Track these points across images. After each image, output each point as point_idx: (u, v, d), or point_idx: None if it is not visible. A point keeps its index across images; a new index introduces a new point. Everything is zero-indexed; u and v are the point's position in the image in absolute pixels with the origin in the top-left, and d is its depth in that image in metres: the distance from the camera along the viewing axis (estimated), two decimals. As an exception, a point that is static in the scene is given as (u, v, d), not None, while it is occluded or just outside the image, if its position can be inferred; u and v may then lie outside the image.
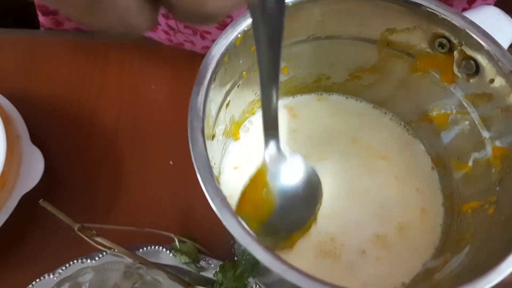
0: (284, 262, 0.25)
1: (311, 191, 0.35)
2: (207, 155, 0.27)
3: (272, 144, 0.32)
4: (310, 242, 0.37)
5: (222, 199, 0.26)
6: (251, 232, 0.26)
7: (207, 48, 0.30)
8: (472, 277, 0.26)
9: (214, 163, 0.33)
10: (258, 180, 0.33)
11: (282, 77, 0.39)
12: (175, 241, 0.41)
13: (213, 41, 0.30)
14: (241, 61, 0.33)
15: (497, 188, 0.33)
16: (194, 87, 0.29)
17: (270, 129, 0.31)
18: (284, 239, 0.35)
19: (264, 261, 0.25)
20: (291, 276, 0.25)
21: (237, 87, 0.35)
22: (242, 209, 0.34)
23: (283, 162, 0.33)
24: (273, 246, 0.35)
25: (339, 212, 0.38)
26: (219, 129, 0.35)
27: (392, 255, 0.37)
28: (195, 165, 0.27)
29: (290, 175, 0.34)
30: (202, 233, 0.43)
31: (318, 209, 0.36)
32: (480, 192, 0.34)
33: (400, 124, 0.42)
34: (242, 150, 0.40)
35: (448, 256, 0.33)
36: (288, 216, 0.34)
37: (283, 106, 0.42)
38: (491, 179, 0.33)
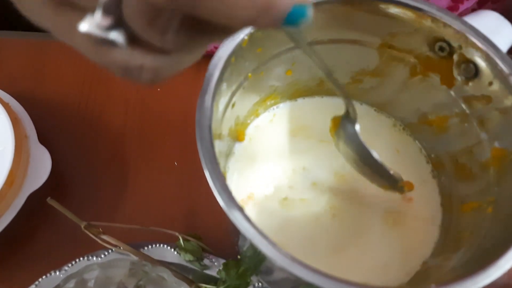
0: (288, 256, 0.25)
1: (369, 163, 0.36)
2: (214, 152, 0.28)
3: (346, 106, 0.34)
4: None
5: (229, 194, 0.27)
6: (256, 225, 0.26)
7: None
8: (472, 273, 0.26)
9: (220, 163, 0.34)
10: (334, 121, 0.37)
11: (286, 80, 0.40)
12: (179, 239, 0.41)
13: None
14: (247, 63, 0.34)
15: (495, 189, 0.33)
16: (203, 86, 0.29)
17: (344, 97, 0.33)
18: None
19: (268, 254, 0.25)
20: (295, 269, 0.25)
21: (243, 88, 0.36)
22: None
23: (349, 124, 0.35)
24: None
25: (341, 208, 0.39)
26: (225, 129, 0.36)
27: (391, 252, 0.37)
28: (202, 161, 0.27)
29: (351, 137, 0.36)
30: (206, 232, 0.43)
31: (387, 186, 0.37)
32: (478, 193, 0.35)
33: (400, 127, 0.43)
34: (247, 151, 0.41)
35: (448, 254, 0.34)
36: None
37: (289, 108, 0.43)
38: (489, 180, 0.34)
